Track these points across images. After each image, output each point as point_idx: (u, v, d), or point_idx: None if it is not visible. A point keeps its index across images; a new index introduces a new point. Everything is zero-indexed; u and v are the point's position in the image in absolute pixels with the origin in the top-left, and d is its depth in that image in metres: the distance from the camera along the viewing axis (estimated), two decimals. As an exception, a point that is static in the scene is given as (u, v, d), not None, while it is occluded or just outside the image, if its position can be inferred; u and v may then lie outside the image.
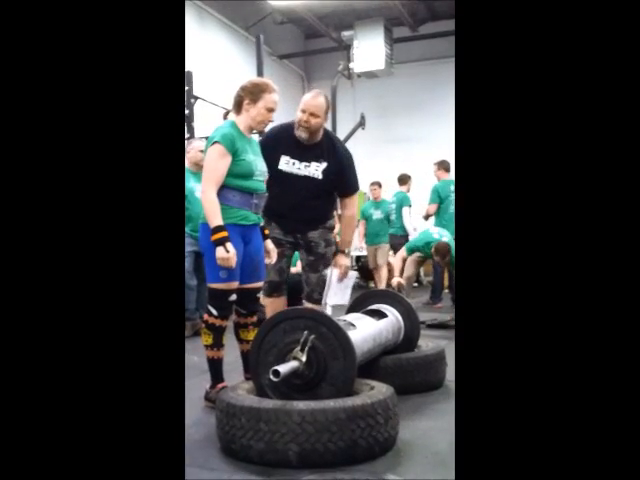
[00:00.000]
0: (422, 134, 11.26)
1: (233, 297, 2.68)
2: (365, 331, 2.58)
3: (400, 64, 10.57)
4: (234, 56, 10.10)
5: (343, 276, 3.25)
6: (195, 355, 4.03)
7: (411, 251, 5.52)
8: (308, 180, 3.08)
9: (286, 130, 3.11)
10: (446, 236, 5.40)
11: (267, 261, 2.87)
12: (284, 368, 2.01)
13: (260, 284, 2.85)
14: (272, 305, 3.22)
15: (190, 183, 4.87)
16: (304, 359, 2.08)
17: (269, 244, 2.88)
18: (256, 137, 3.01)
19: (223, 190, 2.60)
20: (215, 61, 9.41)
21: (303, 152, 3.07)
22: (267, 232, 2.90)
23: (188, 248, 4.85)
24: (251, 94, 2.69)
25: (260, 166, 2.72)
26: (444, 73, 10.19)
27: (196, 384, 3.09)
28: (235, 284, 2.66)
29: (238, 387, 2.21)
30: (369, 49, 9.78)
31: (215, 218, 2.51)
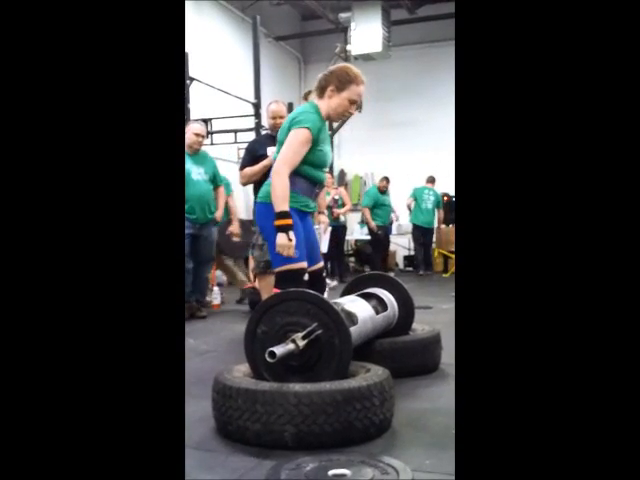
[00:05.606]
0: (419, 118, 11.22)
1: (307, 277, 2.65)
2: (360, 314, 2.58)
3: (397, 47, 10.50)
4: (230, 37, 10.00)
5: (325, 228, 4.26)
6: (191, 338, 4.04)
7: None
8: None
9: (264, 135, 4.05)
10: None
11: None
12: (280, 350, 2.01)
13: (320, 265, 2.84)
14: (268, 285, 3.40)
15: (187, 165, 4.81)
16: (301, 344, 2.07)
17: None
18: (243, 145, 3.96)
19: (293, 176, 2.55)
20: (211, 42, 9.32)
21: None
22: None
23: (185, 230, 4.79)
24: (338, 81, 2.59)
25: (329, 158, 2.70)
26: (442, 56, 10.14)
27: (192, 366, 3.10)
28: (306, 264, 2.62)
29: (234, 369, 2.21)
30: (366, 31, 9.71)
31: (284, 203, 2.47)
